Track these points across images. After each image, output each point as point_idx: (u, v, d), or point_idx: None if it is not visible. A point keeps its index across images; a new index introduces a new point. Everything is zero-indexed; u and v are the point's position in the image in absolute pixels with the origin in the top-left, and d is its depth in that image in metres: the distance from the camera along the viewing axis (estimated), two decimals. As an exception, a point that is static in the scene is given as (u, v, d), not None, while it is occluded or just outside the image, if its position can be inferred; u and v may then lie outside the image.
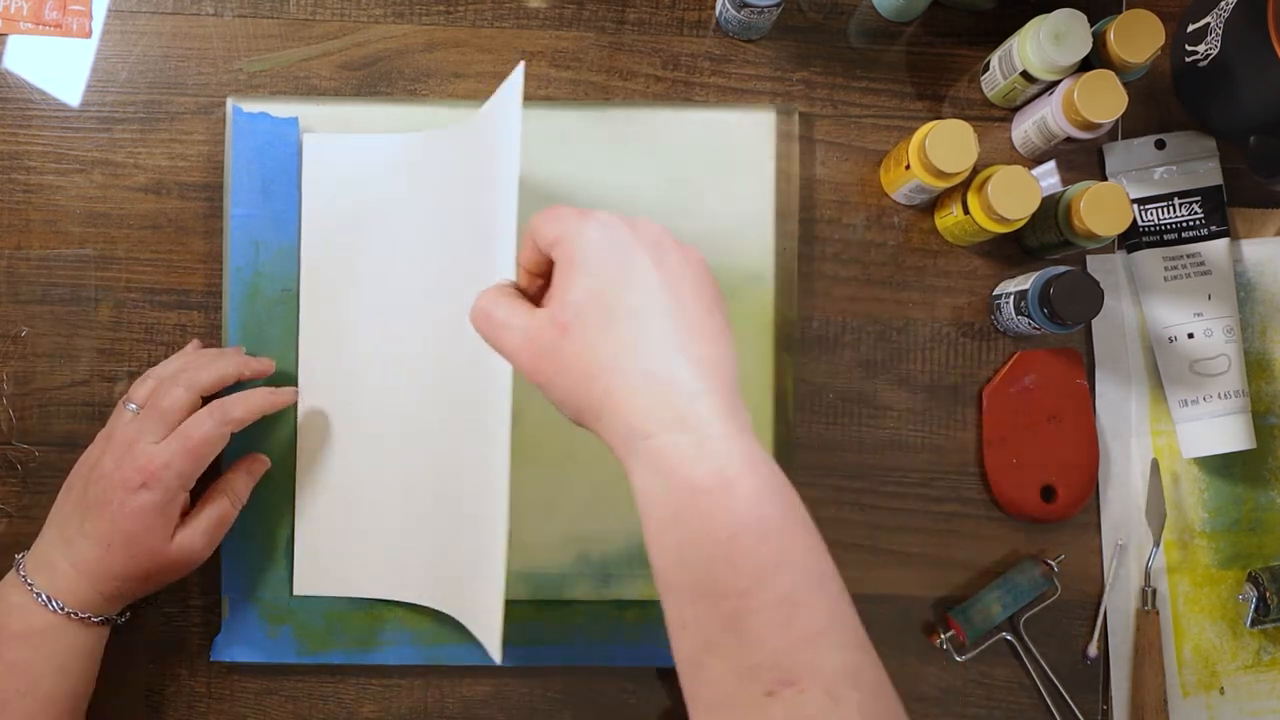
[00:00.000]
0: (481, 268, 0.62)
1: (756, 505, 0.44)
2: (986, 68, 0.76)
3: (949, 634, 0.74)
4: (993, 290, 0.76)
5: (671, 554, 0.45)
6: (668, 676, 0.75)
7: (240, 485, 0.68)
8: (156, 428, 0.64)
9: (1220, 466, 0.77)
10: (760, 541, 0.44)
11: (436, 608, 0.70)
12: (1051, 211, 0.72)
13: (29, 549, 0.65)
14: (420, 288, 0.72)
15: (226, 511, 0.67)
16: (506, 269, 0.57)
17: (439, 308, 0.70)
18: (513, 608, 0.73)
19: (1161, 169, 0.77)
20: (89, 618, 0.63)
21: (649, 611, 0.73)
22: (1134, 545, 0.76)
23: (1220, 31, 0.72)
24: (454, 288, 0.68)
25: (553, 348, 0.47)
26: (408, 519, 0.73)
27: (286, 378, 0.72)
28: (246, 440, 0.72)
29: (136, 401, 0.66)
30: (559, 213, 0.50)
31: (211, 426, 0.64)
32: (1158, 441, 0.77)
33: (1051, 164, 0.73)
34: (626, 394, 0.45)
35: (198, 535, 0.65)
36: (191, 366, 0.67)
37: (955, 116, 0.73)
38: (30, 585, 0.63)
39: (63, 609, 0.62)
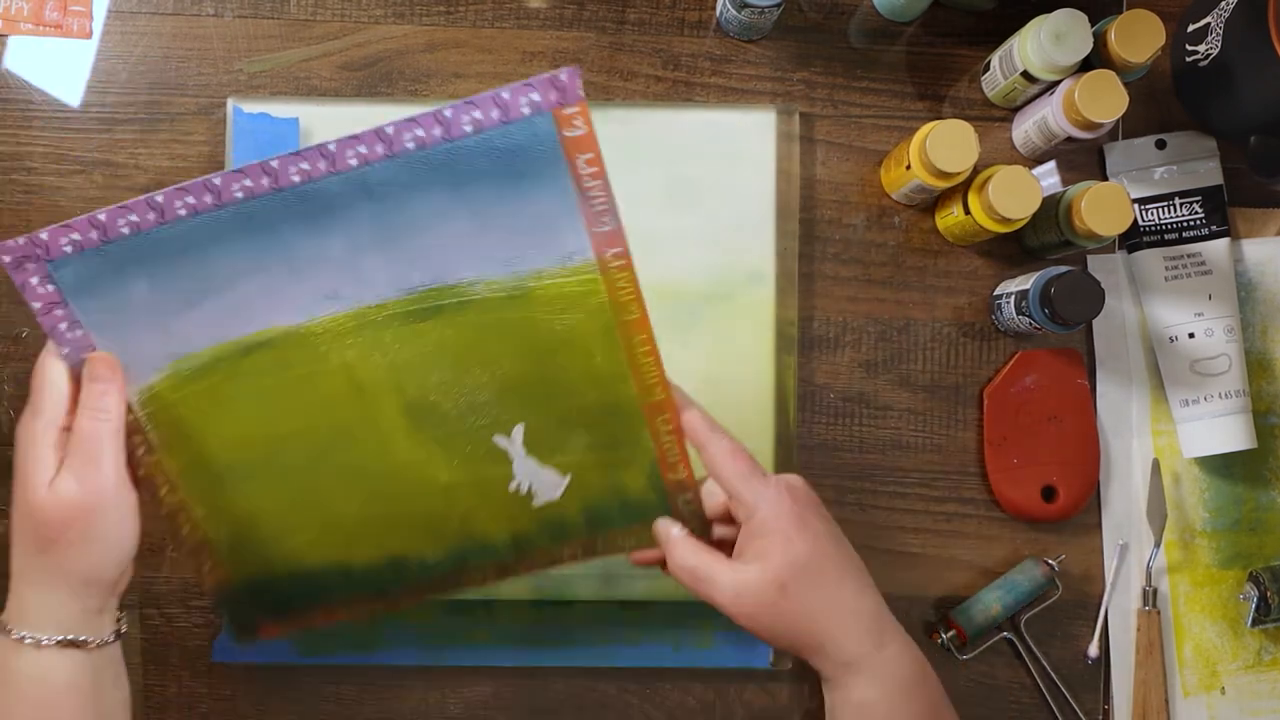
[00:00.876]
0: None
1: (937, 685, 0.61)
2: (987, 68, 0.76)
3: (950, 634, 0.74)
4: (993, 290, 0.76)
5: None
6: (668, 676, 0.75)
7: (93, 396, 0.56)
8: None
9: (1221, 466, 0.77)
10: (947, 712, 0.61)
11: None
12: (1052, 211, 0.72)
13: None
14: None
15: (92, 429, 0.56)
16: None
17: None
18: (513, 608, 0.73)
19: (1162, 169, 0.77)
20: (85, 640, 0.56)
21: (649, 611, 0.73)
22: (1135, 545, 0.76)
23: (1220, 31, 0.72)
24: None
25: (771, 602, 0.58)
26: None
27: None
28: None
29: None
30: (743, 473, 0.59)
31: (48, 355, 0.57)
32: (1158, 441, 0.77)
33: (1052, 164, 0.73)
34: (842, 632, 0.58)
35: (73, 466, 0.55)
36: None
37: (956, 116, 0.73)
38: (22, 635, 0.56)
39: (53, 640, 0.56)
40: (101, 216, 0.56)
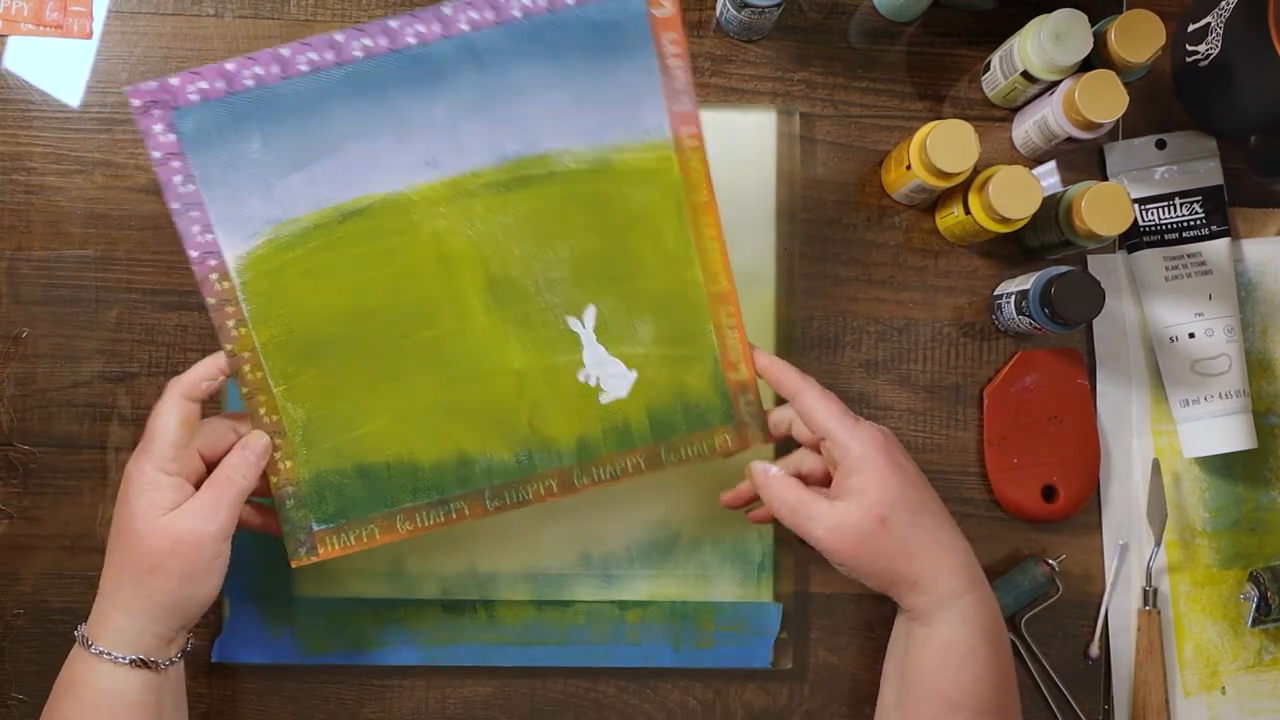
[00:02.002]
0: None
1: (1009, 640, 0.65)
2: (987, 68, 0.76)
3: (950, 634, 0.74)
4: (993, 290, 0.76)
5: (965, 683, 0.61)
6: (668, 676, 0.75)
7: (237, 460, 0.62)
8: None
9: (1221, 466, 0.77)
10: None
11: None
12: (1052, 211, 0.72)
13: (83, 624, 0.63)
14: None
15: (225, 486, 0.61)
16: None
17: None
18: (513, 608, 0.73)
19: (1162, 169, 0.77)
20: (164, 663, 0.61)
21: (649, 612, 0.73)
22: (1135, 545, 0.76)
23: (1221, 31, 0.72)
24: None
25: (870, 535, 0.60)
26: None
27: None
28: (247, 441, 0.72)
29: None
30: (837, 414, 0.62)
31: (165, 400, 0.61)
32: (1159, 441, 0.77)
33: (1052, 164, 0.73)
34: (938, 568, 0.61)
35: (195, 508, 0.60)
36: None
37: (956, 116, 0.73)
38: (108, 655, 0.60)
39: (127, 659, 0.60)
40: (229, 66, 0.59)
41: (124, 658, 0.59)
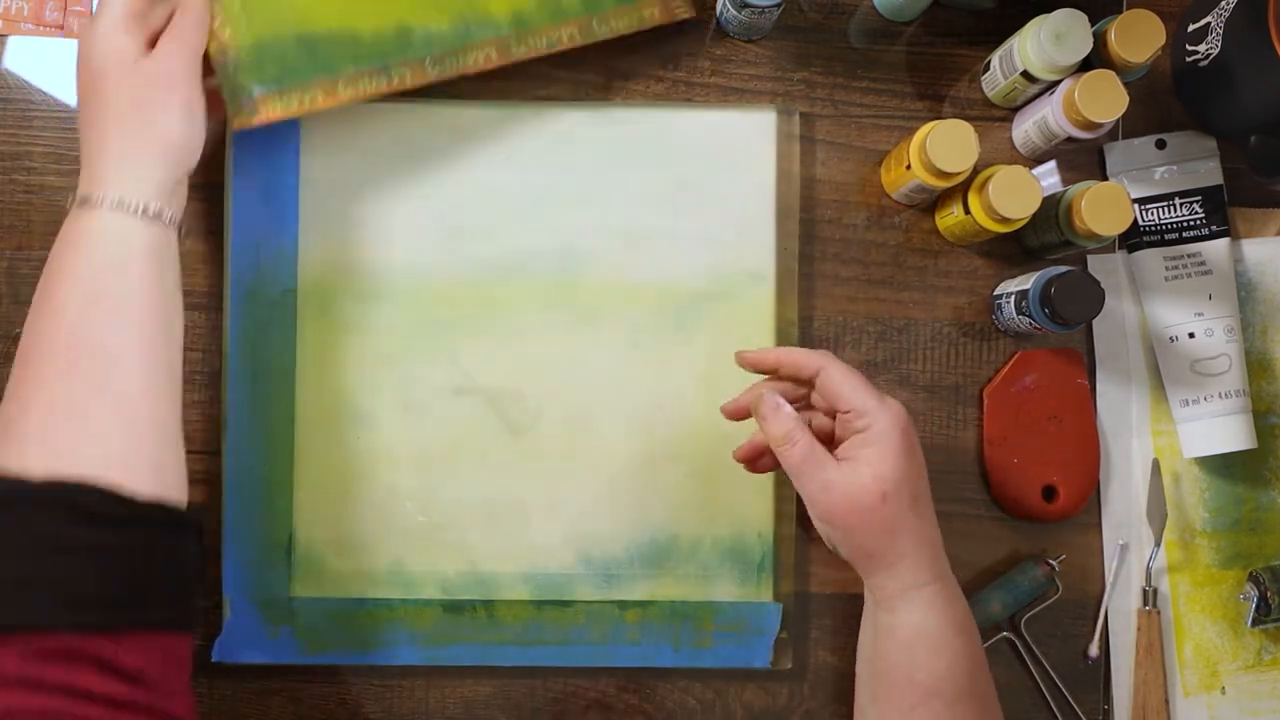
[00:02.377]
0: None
1: (979, 636, 0.64)
2: (987, 68, 0.76)
3: (950, 634, 0.74)
4: (993, 290, 0.76)
5: (940, 670, 0.61)
6: (668, 676, 0.75)
7: (183, 20, 0.62)
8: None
9: (1221, 466, 0.77)
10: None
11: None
12: (1052, 211, 0.72)
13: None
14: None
15: (180, 40, 0.61)
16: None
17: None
18: (513, 608, 0.73)
19: (1162, 169, 0.77)
20: (161, 212, 0.60)
21: (649, 612, 0.73)
22: (1135, 545, 0.76)
23: (1221, 31, 0.72)
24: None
25: (868, 507, 0.61)
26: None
27: (286, 377, 0.72)
28: (249, 440, 0.72)
29: None
30: (864, 387, 0.62)
31: None
32: (1159, 441, 0.77)
33: (1052, 164, 0.73)
34: (917, 555, 0.61)
35: (159, 54, 0.61)
36: None
37: (956, 116, 0.73)
38: (92, 202, 0.59)
39: (139, 207, 0.59)
40: None
41: (134, 206, 0.59)
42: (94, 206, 0.59)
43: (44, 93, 0.74)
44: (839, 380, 0.62)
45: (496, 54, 0.69)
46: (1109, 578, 0.76)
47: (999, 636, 0.75)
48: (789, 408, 0.63)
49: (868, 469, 0.61)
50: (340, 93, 0.66)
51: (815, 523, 0.63)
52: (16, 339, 0.73)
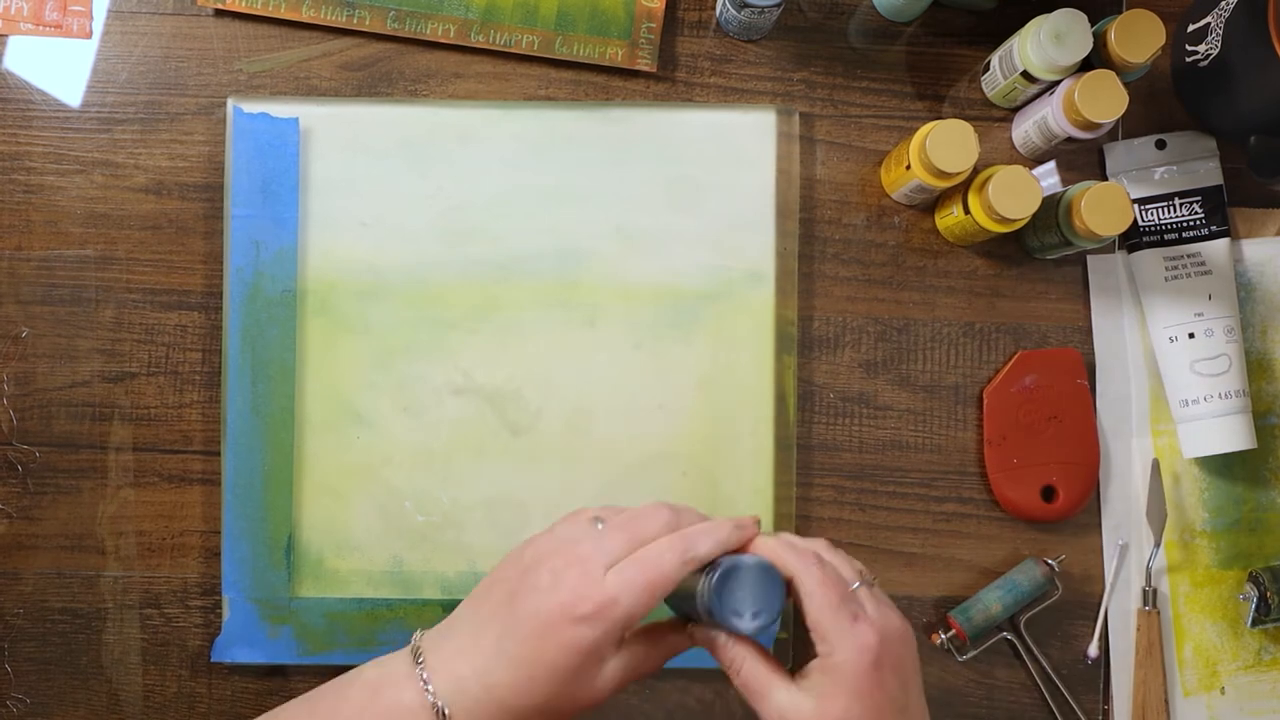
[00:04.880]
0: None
1: None
2: (987, 68, 0.76)
3: (949, 634, 0.74)
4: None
5: None
6: (668, 676, 0.75)
7: (675, 637, 0.57)
8: (617, 550, 0.54)
9: (1221, 466, 0.77)
10: None
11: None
12: (1052, 211, 0.72)
13: (425, 631, 0.57)
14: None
15: (654, 662, 0.56)
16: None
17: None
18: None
19: (1162, 169, 0.77)
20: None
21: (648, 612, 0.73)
22: (1135, 545, 0.76)
23: (1221, 31, 0.72)
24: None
25: None
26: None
27: (286, 377, 0.72)
28: (249, 440, 0.72)
29: (604, 520, 0.57)
30: (832, 606, 0.54)
31: (673, 561, 0.54)
32: (1158, 441, 0.77)
33: (1052, 164, 0.73)
34: None
35: (617, 673, 0.55)
36: (686, 526, 0.56)
37: (955, 116, 0.73)
38: (429, 690, 0.54)
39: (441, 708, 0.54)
40: None
41: (441, 708, 0.54)
42: (426, 691, 0.54)
43: (44, 93, 0.74)
44: (807, 590, 0.55)
45: (455, 32, 0.72)
46: (1109, 578, 0.76)
47: (999, 636, 0.75)
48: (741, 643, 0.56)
49: (813, 703, 0.54)
50: (303, 12, 0.71)
51: None
52: (16, 338, 0.73)
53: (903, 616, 0.57)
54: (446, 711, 0.53)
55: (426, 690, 0.54)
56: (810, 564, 0.55)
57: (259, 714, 0.73)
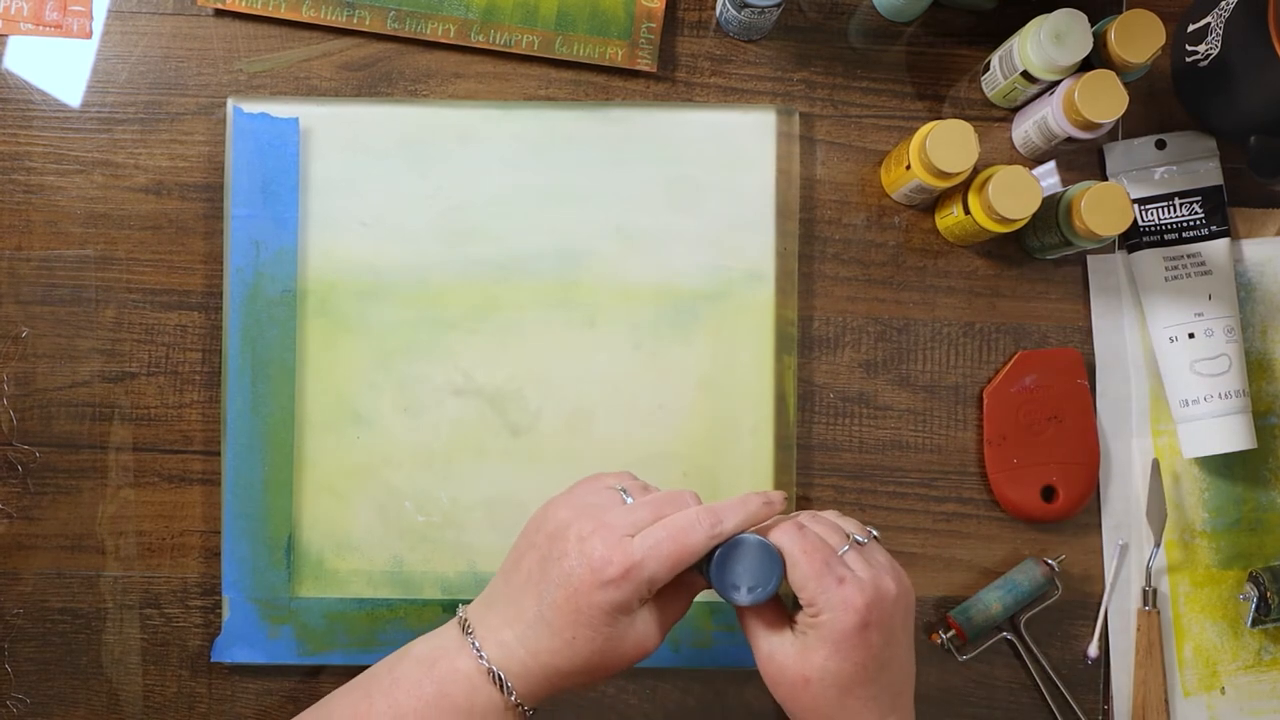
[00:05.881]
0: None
1: None
2: (987, 68, 0.76)
3: (949, 634, 0.74)
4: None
5: None
6: (668, 676, 0.75)
7: (694, 577, 0.60)
8: (643, 518, 0.57)
9: (1221, 466, 0.77)
10: None
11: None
12: (1052, 211, 0.72)
13: (469, 604, 0.60)
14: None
15: (681, 609, 0.60)
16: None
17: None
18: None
19: (1162, 169, 0.77)
20: (526, 710, 0.57)
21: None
22: (1135, 545, 0.76)
23: (1221, 31, 0.72)
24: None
25: (791, 684, 0.58)
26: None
27: (286, 377, 0.72)
28: (249, 440, 0.72)
29: (629, 489, 0.60)
30: (817, 574, 0.57)
31: (702, 534, 0.57)
32: (1158, 441, 0.77)
33: (1052, 164, 0.73)
34: None
35: (652, 629, 0.58)
36: (716, 505, 0.59)
37: (955, 116, 0.73)
38: (483, 657, 0.57)
39: (513, 695, 0.56)
40: None
41: (514, 694, 0.57)
42: (484, 667, 0.56)
43: (44, 93, 0.74)
44: (791, 563, 0.58)
45: (455, 32, 0.72)
46: (1109, 578, 0.76)
47: (999, 636, 0.75)
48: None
49: (797, 652, 0.58)
50: (303, 12, 0.71)
51: None
52: (16, 338, 0.73)
53: (899, 573, 0.60)
54: (501, 675, 0.56)
55: (480, 657, 0.56)
56: (792, 533, 0.58)
57: (259, 714, 0.74)
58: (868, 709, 0.58)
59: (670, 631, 0.72)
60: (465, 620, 0.59)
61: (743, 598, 0.58)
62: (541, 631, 0.56)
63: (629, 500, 0.59)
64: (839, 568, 0.58)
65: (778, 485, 0.74)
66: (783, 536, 0.58)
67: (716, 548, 0.58)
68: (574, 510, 0.58)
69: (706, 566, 0.58)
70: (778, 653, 0.59)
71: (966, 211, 0.72)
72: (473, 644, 0.57)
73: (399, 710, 0.56)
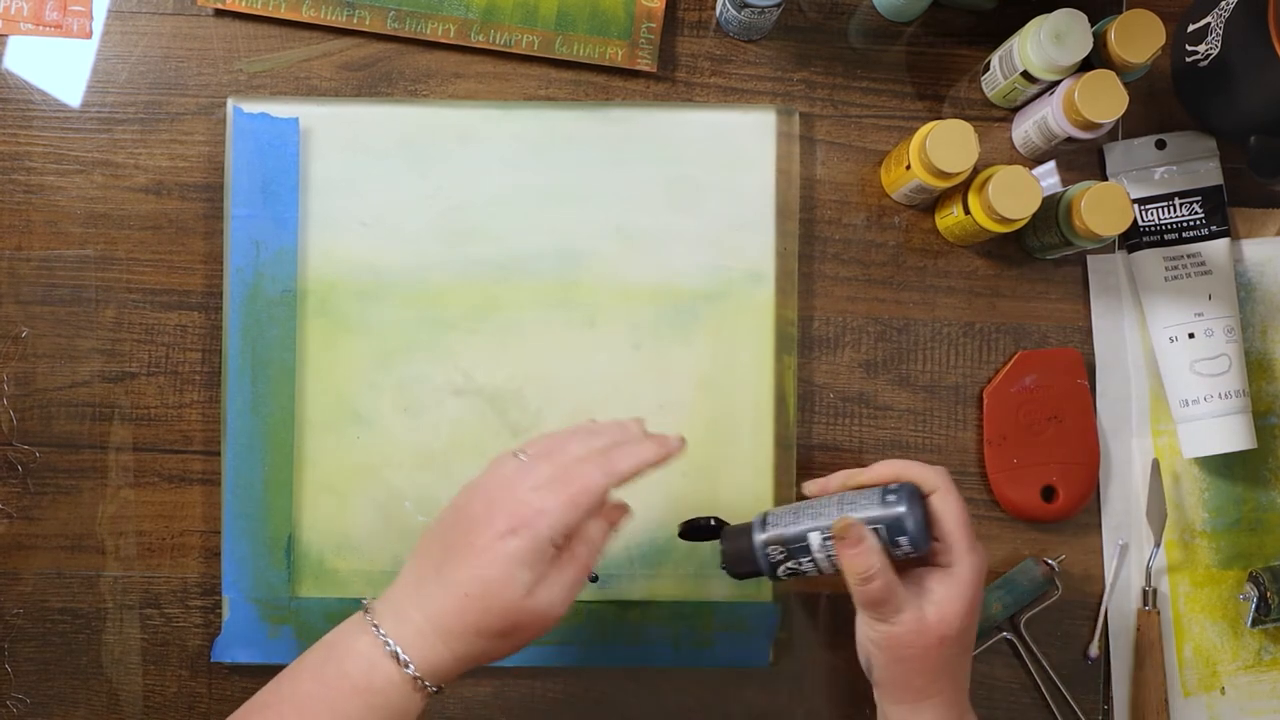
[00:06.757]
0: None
1: None
2: (987, 68, 0.76)
3: (950, 634, 0.74)
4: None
5: None
6: (668, 676, 0.75)
7: (597, 534, 0.59)
8: (541, 474, 0.58)
9: (1221, 466, 0.77)
10: None
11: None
12: (1052, 211, 0.72)
13: (379, 594, 0.60)
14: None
15: (586, 563, 0.59)
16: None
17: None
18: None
19: (1162, 169, 0.77)
20: (427, 686, 0.57)
21: (649, 611, 0.73)
22: (1135, 545, 0.76)
23: (1220, 31, 0.72)
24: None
25: (925, 646, 0.62)
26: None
27: (286, 377, 0.72)
28: (249, 440, 0.72)
29: (528, 453, 0.60)
30: (966, 525, 0.63)
31: (597, 477, 0.58)
32: (1158, 441, 0.77)
33: (1052, 164, 0.73)
34: (946, 697, 0.63)
35: (557, 589, 0.57)
36: (608, 448, 0.60)
37: (956, 116, 0.73)
38: (379, 632, 0.56)
39: (410, 667, 0.56)
40: None
41: (433, 688, 0.57)
42: (409, 677, 0.56)
43: (44, 93, 0.74)
44: (950, 510, 0.63)
45: (455, 32, 0.73)
46: (1109, 578, 0.76)
47: (999, 636, 0.75)
48: (874, 539, 0.62)
49: (934, 609, 0.62)
50: (303, 12, 0.71)
51: (863, 642, 0.64)
52: (16, 338, 0.73)
53: None
54: (398, 649, 0.56)
55: (378, 633, 0.56)
56: (948, 480, 0.64)
57: (259, 714, 0.73)
58: (965, 669, 0.64)
59: (670, 631, 0.73)
60: (367, 601, 0.59)
61: (915, 548, 0.62)
62: (438, 592, 0.56)
63: (523, 459, 0.59)
64: (974, 541, 0.63)
65: (777, 485, 0.74)
66: (941, 486, 0.64)
67: (902, 504, 0.62)
68: (474, 485, 0.59)
69: (908, 523, 0.62)
70: (909, 616, 0.61)
71: (966, 211, 0.72)
72: (370, 621, 0.57)
73: (301, 694, 0.57)
